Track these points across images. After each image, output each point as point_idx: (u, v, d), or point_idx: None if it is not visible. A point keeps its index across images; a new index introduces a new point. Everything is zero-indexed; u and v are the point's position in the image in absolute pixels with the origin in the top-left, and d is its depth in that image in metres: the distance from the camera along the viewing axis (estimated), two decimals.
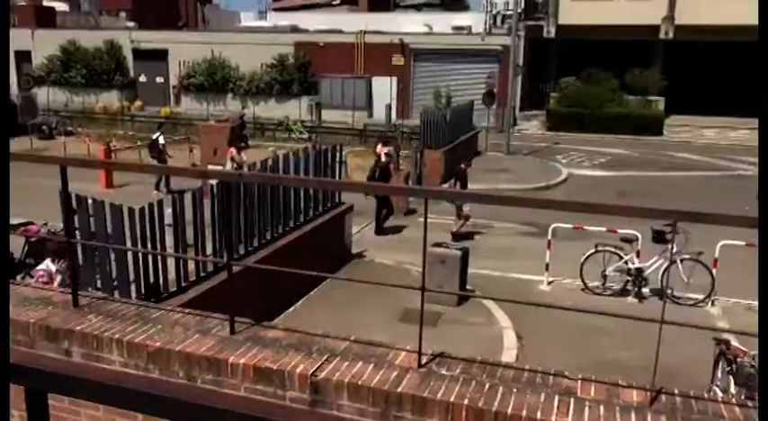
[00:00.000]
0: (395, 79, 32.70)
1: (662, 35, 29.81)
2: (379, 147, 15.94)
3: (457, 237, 12.77)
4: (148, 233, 6.93)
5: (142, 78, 37.19)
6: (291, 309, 9.21)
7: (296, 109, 31.88)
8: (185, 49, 35.25)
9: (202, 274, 7.63)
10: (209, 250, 7.87)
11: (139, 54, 36.92)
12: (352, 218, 11.93)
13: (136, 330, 3.50)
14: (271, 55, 33.79)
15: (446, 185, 13.98)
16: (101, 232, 6.77)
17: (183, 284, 7.40)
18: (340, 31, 34.61)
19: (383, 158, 14.78)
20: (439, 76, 32.58)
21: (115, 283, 6.88)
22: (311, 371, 3.04)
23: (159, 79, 36.78)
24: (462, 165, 13.71)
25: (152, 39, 36.39)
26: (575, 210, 3.24)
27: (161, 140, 17.69)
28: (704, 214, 2.60)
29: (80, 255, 6.91)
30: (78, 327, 3.51)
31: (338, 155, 11.95)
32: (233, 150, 15.20)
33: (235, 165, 14.69)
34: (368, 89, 33.12)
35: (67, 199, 3.93)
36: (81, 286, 4.55)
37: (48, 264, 6.60)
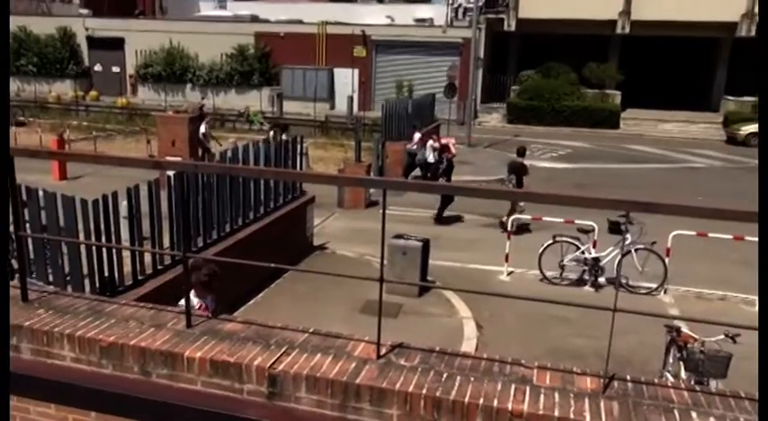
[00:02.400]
0: (357, 71, 32.56)
1: (619, 30, 30.41)
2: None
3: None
4: (103, 226, 6.76)
5: (97, 67, 36.22)
6: (251, 301, 9.13)
7: (256, 100, 31.50)
8: (142, 37, 34.43)
9: (159, 267, 7.49)
10: (166, 243, 7.73)
11: (94, 42, 35.92)
12: (313, 209, 11.87)
13: (88, 325, 3.40)
14: (231, 45, 33.29)
15: (503, 178, 13.63)
16: (52, 225, 6.58)
17: (140, 278, 7.26)
18: (301, 22, 34.27)
19: (453, 150, 14.68)
20: (401, 68, 32.60)
21: (68, 277, 6.70)
22: (269, 363, 3.01)
23: (115, 68, 35.88)
24: (520, 160, 13.25)
25: (107, 27, 35.45)
26: (532, 201, 3.28)
27: (202, 129, 17.95)
28: (655, 204, 2.65)
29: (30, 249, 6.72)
30: (27, 323, 3.40)
31: (299, 146, 11.86)
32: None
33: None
34: (330, 80, 32.92)
35: (15, 191, 3.79)
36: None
37: (191, 299, 5.69)
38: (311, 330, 3.36)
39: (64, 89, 35.05)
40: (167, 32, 34.14)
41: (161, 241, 7.62)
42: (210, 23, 35.23)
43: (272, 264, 4.02)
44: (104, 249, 6.79)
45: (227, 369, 3.05)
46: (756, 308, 9.58)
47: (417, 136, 17.73)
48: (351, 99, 30.82)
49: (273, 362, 3.02)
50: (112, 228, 6.88)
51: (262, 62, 33.40)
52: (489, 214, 13.94)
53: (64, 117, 28.65)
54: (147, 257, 7.44)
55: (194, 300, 5.52)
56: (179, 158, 13.82)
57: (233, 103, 31.87)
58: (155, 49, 34.37)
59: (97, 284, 6.74)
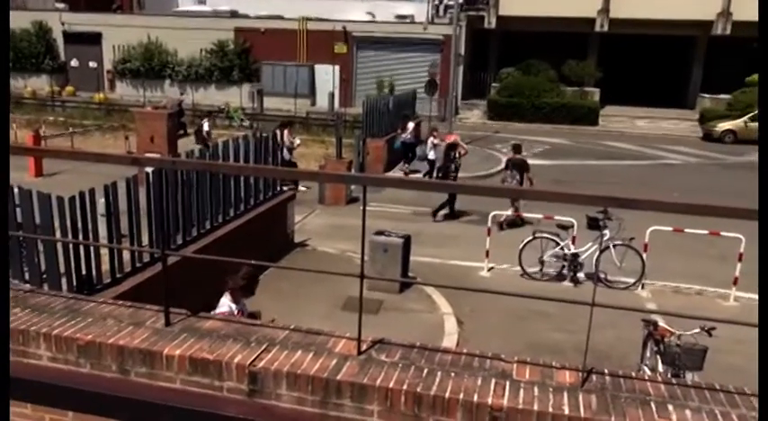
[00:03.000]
0: (337, 67, 32.46)
1: (597, 28, 30.68)
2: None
3: (506, 225, 12.90)
4: (80, 223, 6.67)
5: (74, 62, 35.66)
6: None
7: (237, 96, 31.28)
8: (120, 32, 34.00)
9: (138, 265, 7.42)
10: (145, 240, 7.65)
11: (71, 37, 35.39)
12: (294, 206, 11.83)
13: (65, 323, 3.36)
14: (210, 40, 33.00)
15: (508, 173, 13.46)
16: (28, 222, 6.48)
17: (118, 276, 7.18)
18: (281, 18, 34.06)
19: (462, 150, 14.59)
20: (381, 65, 32.56)
21: (44, 276, 6.61)
22: (249, 360, 2.99)
23: (92, 64, 35.36)
24: (520, 156, 13.17)
25: (84, 21, 34.94)
26: (511, 197, 3.31)
27: (205, 127, 18.73)
28: (633, 200, 2.68)
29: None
30: None
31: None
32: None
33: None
34: (310, 77, 32.78)
35: None
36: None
37: (228, 304, 5.40)
38: (292, 327, 3.34)
39: (39, 84, 34.50)
40: (145, 27, 33.74)
41: (139, 239, 7.54)
42: (189, 19, 34.87)
43: (253, 261, 4.00)
44: (81, 247, 6.70)
45: (206, 367, 3.02)
46: (731, 301, 9.77)
47: (411, 125, 17.74)
48: (332, 95, 30.73)
49: (254, 360, 3.00)
50: (90, 226, 6.79)
51: (242, 58, 33.16)
52: (470, 211, 13.99)
53: (40, 112, 28.22)
54: (126, 255, 7.36)
55: (233, 306, 5.39)
56: (158, 155, 13.70)
57: (213, 98, 31.62)
58: (133, 44, 33.97)
59: (74, 282, 6.66)
